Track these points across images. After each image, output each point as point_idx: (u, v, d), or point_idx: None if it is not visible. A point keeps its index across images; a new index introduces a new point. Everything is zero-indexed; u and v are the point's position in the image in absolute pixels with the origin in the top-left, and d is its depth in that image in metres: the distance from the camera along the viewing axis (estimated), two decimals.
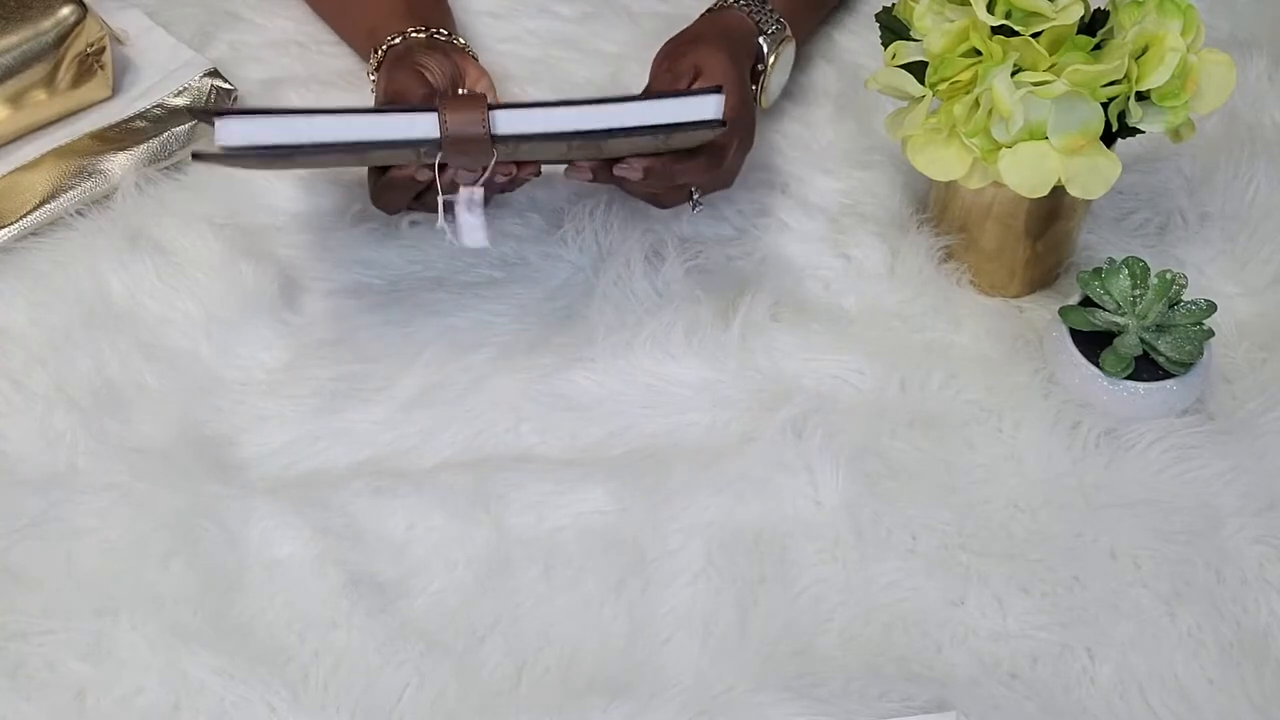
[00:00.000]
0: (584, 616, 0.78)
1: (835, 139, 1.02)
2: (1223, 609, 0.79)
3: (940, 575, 0.80)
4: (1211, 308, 0.84)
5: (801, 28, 1.00)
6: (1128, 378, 0.85)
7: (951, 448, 0.85)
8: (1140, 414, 0.85)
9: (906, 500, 0.82)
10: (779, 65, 0.97)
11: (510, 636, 0.77)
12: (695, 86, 0.88)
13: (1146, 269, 0.85)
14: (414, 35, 0.94)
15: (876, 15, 0.88)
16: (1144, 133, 0.83)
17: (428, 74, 0.89)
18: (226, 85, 1.00)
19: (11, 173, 0.94)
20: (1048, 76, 0.79)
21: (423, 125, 0.78)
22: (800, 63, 1.04)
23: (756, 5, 0.95)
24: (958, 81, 0.81)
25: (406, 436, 0.85)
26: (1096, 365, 0.85)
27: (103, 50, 0.96)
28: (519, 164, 0.83)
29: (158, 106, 0.98)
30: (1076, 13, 0.79)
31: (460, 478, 0.82)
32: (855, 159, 1.00)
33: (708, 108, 0.80)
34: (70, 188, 0.94)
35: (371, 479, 0.82)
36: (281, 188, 0.97)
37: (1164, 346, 0.84)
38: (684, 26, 0.95)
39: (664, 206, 0.94)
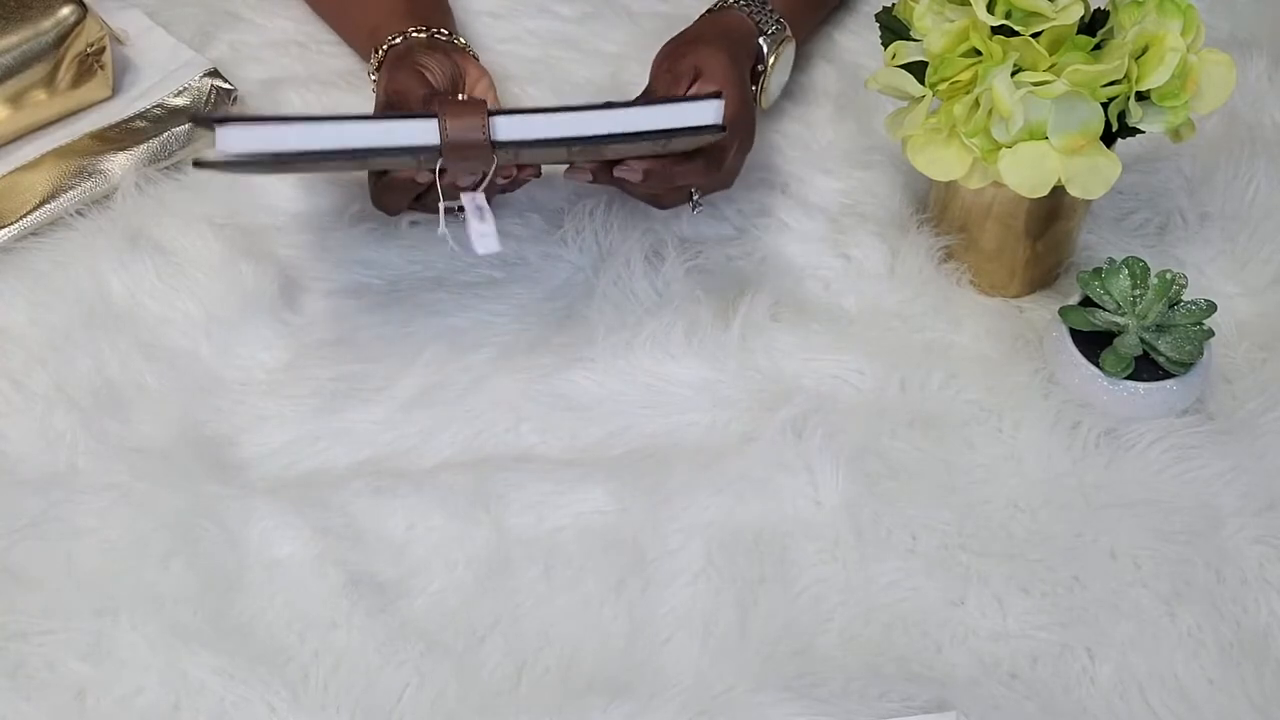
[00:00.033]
0: (584, 616, 0.78)
1: (835, 139, 1.02)
2: (1223, 609, 0.79)
3: (940, 575, 0.80)
4: (1211, 308, 0.84)
5: (801, 28, 1.00)
6: (1128, 378, 0.85)
7: (951, 448, 0.85)
8: (1140, 414, 0.85)
9: (906, 500, 0.82)
10: (779, 66, 0.97)
11: (510, 636, 0.77)
12: (695, 90, 0.89)
13: (1146, 269, 0.85)
14: (414, 35, 0.94)
15: (876, 15, 0.88)
16: (1144, 133, 0.83)
17: (428, 74, 0.89)
18: (226, 85, 1.00)
19: (11, 173, 0.94)
20: (1048, 76, 0.79)
21: (423, 132, 0.78)
22: (800, 63, 1.04)
23: (756, 5, 0.95)
24: (958, 81, 0.81)
25: (406, 436, 0.85)
26: (1096, 365, 0.85)
27: (103, 50, 0.96)
28: (519, 166, 0.83)
29: (158, 106, 0.98)
30: (1076, 13, 0.79)
31: (460, 478, 0.82)
32: (855, 159, 1.00)
33: (708, 113, 0.80)
34: (70, 188, 0.94)
35: (371, 479, 0.82)
36: (281, 188, 0.97)
37: (1164, 346, 0.84)
38: (684, 26, 0.95)
39: (664, 207, 0.94)
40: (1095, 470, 0.84)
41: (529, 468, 0.83)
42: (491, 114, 0.78)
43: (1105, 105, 0.80)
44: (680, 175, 0.86)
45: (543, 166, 0.86)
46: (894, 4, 0.87)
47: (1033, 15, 0.79)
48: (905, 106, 0.85)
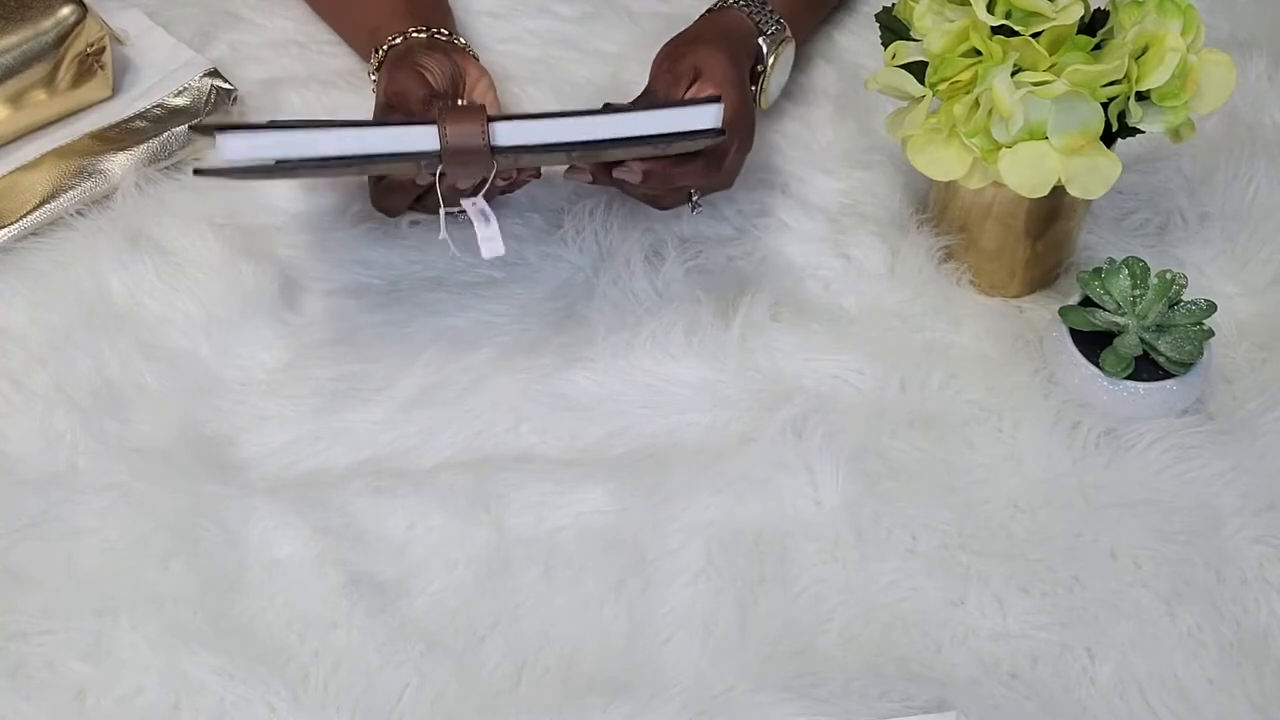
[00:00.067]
0: (584, 616, 0.78)
1: (835, 139, 1.02)
2: (1223, 609, 0.79)
3: (940, 575, 0.80)
4: (1211, 308, 0.84)
5: (801, 28, 1.00)
6: (1128, 378, 0.85)
7: (951, 448, 0.85)
8: (1140, 414, 0.85)
9: (906, 500, 0.82)
10: (778, 66, 0.97)
11: (510, 636, 0.77)
12: (695, 92, 0.89)
13: (1146, 269, 0.85)
14: (415, 35, 0.94)
15: (876, 15, 0.88)
16: (1144, 133, 0.83)
17: (428, 74, 0.89)
18: (226, 85, 1.00)
19: (11, 173, 0.94)
20: (1048, 76, 0.79)
21: (423, 138, 0.78)
22: (800, 63, 1.04)
23: (756, 6, 0.95)
24: (958, 81, 0.81)
25: (406, 436, 0.85)
26: (1096, 365, 0.85)
27: (103, 50, 0.96)
28: (519, 168, 0.83)
29: (158, 106, 0.98)
30: (1076, 13, 0.79)
31: (460, 478, 0.82)
32: (855, 159, 1.00)
33: (707, 117, 0.80)
34: (70, 188, 0.94)
35: (371, 479, 0.82)
36: (281, 188, 0.97)
37: (1164, 346, 0.84)
38: (684, 26, 0.95)
39: (663, 208, 0.94)
40: (1095, 470, 0.84)
41: (529, 468, 0.83)
42: (491, 120, 0.78)
43: (1105, 105, 0.80)
44: (680, 176, 0.86)
45: (542, 168, 0.86)
46: (894, 4, 0.87)
47: (1033, 15, 0.79)
48: (905, 106, 0.85)
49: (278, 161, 0.78)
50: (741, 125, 0.89)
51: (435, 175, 0.80)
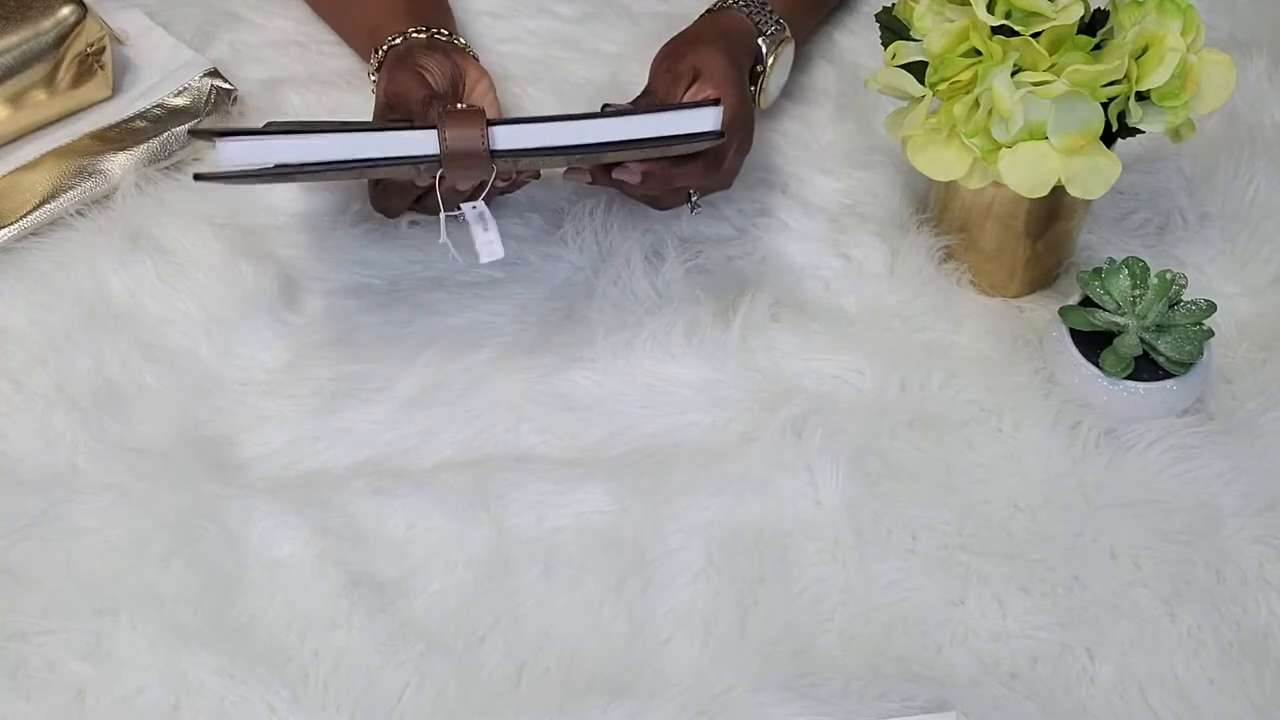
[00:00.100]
0: (584, 616, 0.78)
1: (835, 139, 1.02)
2: (1223, 609, 0.79)
3: (940, 575, 0.80)
4: (1211, 308, 0.84)
5: (801, 28, 1.00)
6: (1128, 378, 0.85)
7: (951, 448, 0.85)
8: (1140, 414, 0.85)
9: (906, 500, 0.82)
10: (778, 66, 0.97)
11: (510, 636, 0.77)
12: (694, 93, 0.89)
13: (1146, 269, 0.85)
14: (414, 35, 0.94)
15: (876, 15, 0.88)
16: (1144, 133, 0.83)
17: (428, 75, 0.89)
18: (226, 85, 1.00)
19: (11, 173, 0.94)
20: (1048, 76, 0.79)
21: (422, 142, 0.79)
22: (800, 63, 1.04)
23: (756, 6, 0.95)
24: (958, 81, 0.81)
25: (406, 436, 0.85)
26: (1096, 365, 0.85)
27: (103, 50, 0.96)
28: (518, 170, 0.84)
29: (158, 106, 0.98)
30: (1076, 13, 0.79)
31: (460, 478, 0.82)
32: (855, 159, 1.00)
33: (706, 120, 0.80)
34: (70, 188, 0.94)
35: (371, 479, 0.82)
36: (281, 188, 0.97)
37: (1164, 346, 0.84)
38: (684, 27, 0.95)
39: (663, 208, 0.94)
40: (1095, 470, 0.84)
41: (529, 468, 0.83)
42: (490, 124, 0.79)
43: (1105, 105, 0.80)
44: (679, 176, 0.86)
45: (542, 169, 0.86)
46: (894, 4, 0.87)
47: (1033, 15, 0.79)
48: (905, 106, 0.85)
49: (277, 166, 0.78)
50: (741, 126, 0.89)
51: (435, 179, 0.80)
